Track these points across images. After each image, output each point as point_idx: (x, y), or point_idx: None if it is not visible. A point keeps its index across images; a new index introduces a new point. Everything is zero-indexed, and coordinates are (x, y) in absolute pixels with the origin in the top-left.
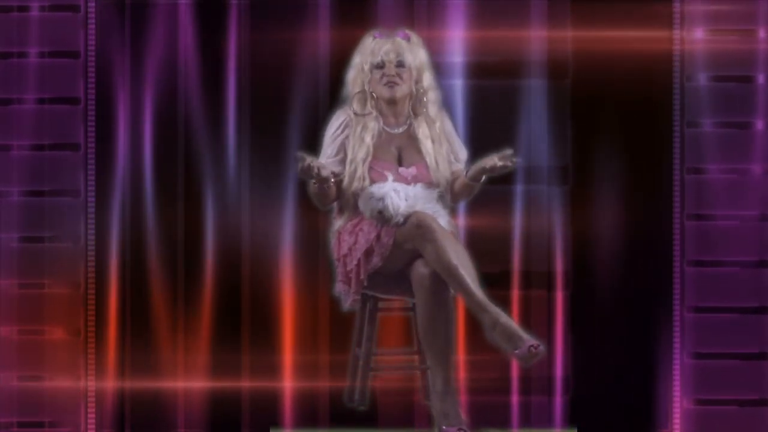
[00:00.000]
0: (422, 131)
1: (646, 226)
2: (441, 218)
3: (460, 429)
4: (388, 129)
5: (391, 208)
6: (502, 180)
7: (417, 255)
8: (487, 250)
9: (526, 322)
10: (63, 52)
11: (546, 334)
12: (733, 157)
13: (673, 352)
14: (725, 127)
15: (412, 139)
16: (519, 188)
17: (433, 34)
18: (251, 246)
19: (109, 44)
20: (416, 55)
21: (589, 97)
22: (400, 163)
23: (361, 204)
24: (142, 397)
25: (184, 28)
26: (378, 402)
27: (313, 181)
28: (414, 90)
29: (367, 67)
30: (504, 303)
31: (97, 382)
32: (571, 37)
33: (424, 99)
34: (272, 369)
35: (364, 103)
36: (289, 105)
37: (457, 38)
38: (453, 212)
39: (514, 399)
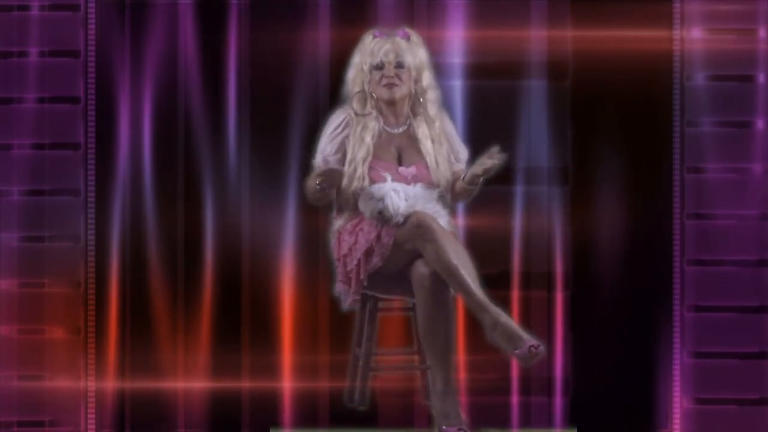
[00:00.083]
0: (422, 131)
1: (646, 226)
2: (441, 218)
3: (460, 429)
4: (388, 129)
5: (391, 208)
6: (502, 180)
7: (417, 255)
8: (487, 251)
9: (526, 322)
10: (63, 52)
11: (546, 334)
12: (733, 156)
13: (673, 352)
14: (725, 127)
15: (411, 139)
16: (519, 189)
17: (433, 34)
18: (251, 246)
19: (109, 43)
20: (416, 54)
21: (589, 97)
22: (400, 162)
23: (360, 204)
24: (142, 397)
25: (184, 28)
26: (378, 402)
27: (321, 183)
28: (413, 90)
29: (366, 68)
30: (504, 303)
31: (97, 382)
32: (571, 37)
33: (424, 99)
34: (272, 369)
35: (363, 103)
36: (289, 105)
37: (457, 38)
38: (453, 212)
39: (514, 399)
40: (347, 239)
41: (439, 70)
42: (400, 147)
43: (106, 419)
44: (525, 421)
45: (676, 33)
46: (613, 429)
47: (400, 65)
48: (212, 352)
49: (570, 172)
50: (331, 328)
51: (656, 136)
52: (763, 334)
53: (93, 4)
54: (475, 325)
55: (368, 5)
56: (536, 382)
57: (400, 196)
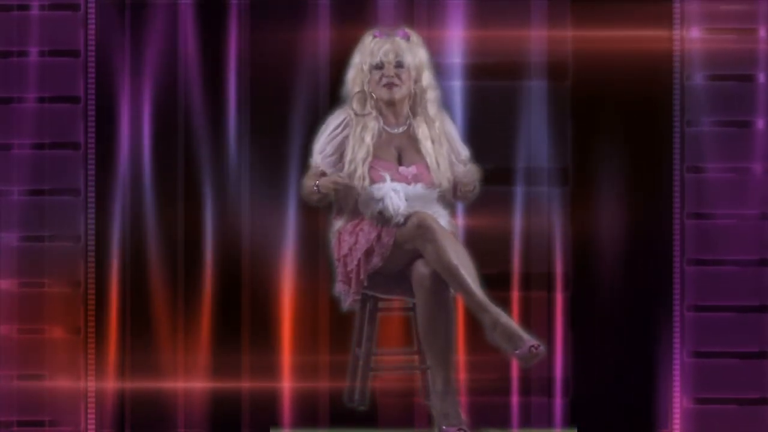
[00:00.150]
0: (422, 131)
1: (646, 226)
2: (441, 218)
3: (460, 429)
4: (388, 129)
5: (390, 208)
6: (502, 181)
7: (417, 255)
8: (487, 251)
9: (526, 323)
10: (63, 51)
11: (546, 334)
12: (734, 156)
13: (673, 351)
14: (725, 126)
15: (412, 139)
16: (519, 189)
17: (433, 34)
18: (251, 246)
19: (109, 43)
20: (416, 54)
21: (589, 97)
22: (400, 162)
23: (360, 205)
24: (142, 397)
25: (184, 27)
26: (378, 402)
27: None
28: (413, 90)
29: (366, 68)
30: (504, 304)
31: (97, 382)
32: (571, 36)
33: (424, 99)
34: (272, 369)
35: (363, 103)
36: (290, 105)
37: (457, 38)
38: (453, 212)
39: (514, 400)
40: (347, 239)
41: (439, 70)
42: (400, 147)
43: (106, 419)
44: (525, 422)
45: (676, 33)
46: (613, 429)
47: (399, 65)
48: (212, 352)
49: (570, 173)
50: (331, 328)
51: (656, 136)
52: (763, 334)
53: (93, 4)
54: (475, 325)
55: (368, 5)
56: (536, 383)
57: (400, 196)
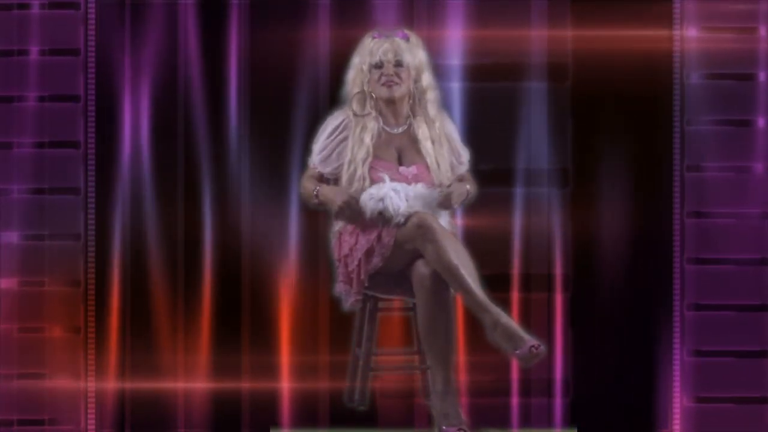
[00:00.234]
0: (422, 132)
1: (646, 225)
2: (441, 218)
3: (460, 429)
4: (387, 129)
5: (391, 208)
6: (502, 182)
7: (417, 255)
8: (487, 252)
9: (526, 323)
10: (63, 50)
11: (546, 335)
12: (734, 155)
13: (673, 350)
14: (726, 125)
15: (412, 139)
16: (519, 190)
17: (433, 35)
18: (251, 246)
19: (109, 42)
20: (415, 55)
21: (589, 97)
22: (400, 163)
23: (360, 204)
24: (142, 397)
25: (184, 26)
26: (378, 402)
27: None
28: (413, 90)
29: (365, 67)
30: (504, 305)
31: (97, 381)
32: (571, 36)
33: (423, 99)
34: (272, 369)
35: (363, 104)
36: (290, 105)
37: (457, 39)
38: (453, 213)
39: (514, 401)
40: (348, 240)
41: (439, 71)
42: (400, 147)
43: (106, 419)
44: (525, 422)
45: (676, 32)
46: (613, 429)
47: (399, 64)
48: (212, 352)
49: (570, 173)
50: (331, 328)
51: (657, 136)
52: (763, 333)
53: (93, 3)
54: (475, 325)
55: (368, 5)
56: (536, 384)
57: (401, 196)
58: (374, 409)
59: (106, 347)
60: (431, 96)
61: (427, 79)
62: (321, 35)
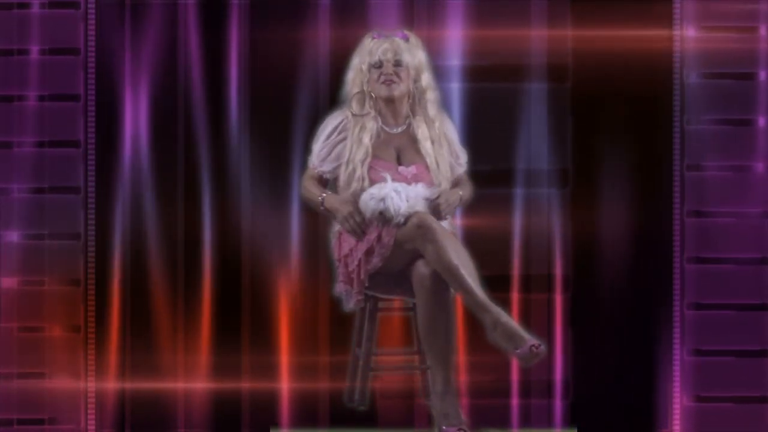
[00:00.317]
0: (422, 132)
1: (646, 224)
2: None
3: (460, 429)
4: (387, 129)
5: (392, 208)
6: (502, 183)
7: (417, 255)
8: (487, 253)
9: (526, 324)
10: (63, 49)
11: (546, 336)
12: (734, 154)
13: (673, 350)
14: (726, 125)
15: (411, 139)
16: (519, 191)
17: (433, 35)
18: (251, 245)
19: (109, 41)
20: (414, 55)
21: (589, 97)
22: (399, 162)
23: (361, 204)
24: (142, 397)
25: (185, 26)
26: (378, 402)
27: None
28: (412, 89)
29: (365, 67)
30: (504, 305)
31: (97, 380)
32: (570, 36)
33: (423, 99)
34: (272, 369)
35: (362, 104)
36: (290, 104)
37: (458, 39)
38: (451, 213)
39: (514, 402)
40: (348, 240)
41: (439, 72)
42: (400, 147)
43: (106, 419)
44: (525, 423)
45: (677, 32)
46: (613, 429)
47: (398, 63)
48: (212, 352)
49: (570, 174)
50: (331, 328)
51: (657, 136)
52: (764, 332)
53: (93, 2)
54: (475, 325)
55: (368, 5)
56: (536, 384)
57: (401, 196)
58: (374, 409)
59: (106, 347)
60: (431, 96)
61: (426, 79)
62: (321, 35)
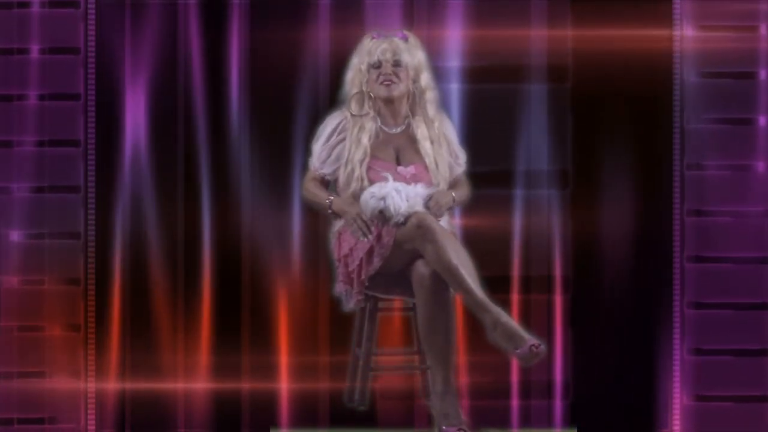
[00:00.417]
0: (421, 132)
1: (647, 225)
2: (441, 218)
3: (460, 429)
4: (386, 129)
5: (392, 207)
6: (502, 184)
7: (417, 255)
8: (487, 254)
9: (526, 325)
10: (63, 48)
11: (546, 337)
12: (734, 153)
13: (673, 349)
14: (726, 124)
15: (410, 139)
16: (519, 192)
17: (433, 35)
18: (251, 246)
19: (109, 40)
20: (414, 55)
21: (589, 97)
22: (398, 162)
23: (361, 202)
24: (142, 397)
25: (185, 25)
26: (378, 402)
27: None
28: (411, 90)
29: (364, 68)
30: (504, 306)
31: (97, 380)
32: (570, 36)
33: (422, 99)
34: (272, 369)
35: (361, 104)
36: (290, 104)
37: (457, 39)
38: (451, 213)
39: (514, 402)
40: (348, 240)
41: (439, 72)
42: (399, 147)
43: (106, 419)
44: (525, 423)
45: (677, 31)
46: (613, 429)
47: (397, 63)
48: (212, 352)
49: (570, 175)
50: (331, 328)
51: (657, 135)
52: (764, 332)
53: (93, 1)
54: (475, 325)
55: (368, 6)
56: (536, 385)
57: (402, 196)
58: (374, 409)
59: (106, 346)
60: (430, 96)
61: (425, 79)
62: (321, 35)
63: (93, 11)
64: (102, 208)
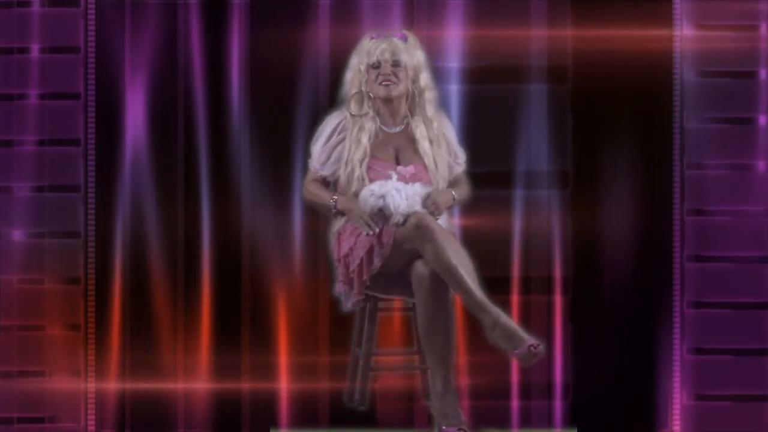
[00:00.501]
0: (420, 131)
1: (647, 224)
2: (440, 218)
3: (460, 429)
4: (385, 129)
5: (392, 206)
6: (502, 184)
7: (417, 255)
8: (487, 254)
9: (525, 325)
10: (63, 48)
11: (546, 337)
12: (734, 153)
13: (673, 348)
14: (726, 123)
15: (409, 139)
16: (519, 192)
17: (433, 35)
18: (251, 246)
19: (109, 39)
20: (413, 55)
21: (589, 97)
22: (397, 162)
23: (360, 200)
24: (142, 397)
25: (185, 24)
26: (378, 402)
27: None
28: (411, 90)
29: (363, 68)
30: (504, 307)
31: (97, 379)
32: (570, 36)
33: (421, 99)
34: (272, 369)
35: (361, 104)
36: (290, 104)
37: (457, 39)
38: (451, 213)
39: (514, 403)
40: (347, 240)
41: (439, 72)
42: (398, 147)
43: (106, 419)
44: (525, 424)
45: (677, 31)
46: (613, 429)
47: (396, 63)
48: (212, 352)
49: (570, 175)
50: (331, 328)
51: (657, 135)
52: (763, 331)
53: (93, 1)
54: (475, 325)
55: (368, 6)
56: (536, 385)
57: (402, 195)
58: (374, 410)
59: (106, 345)
60: (429, 96)
61: (425, 79)
62: (321, 35)
63: (93, 10)
64: (102, 207)
